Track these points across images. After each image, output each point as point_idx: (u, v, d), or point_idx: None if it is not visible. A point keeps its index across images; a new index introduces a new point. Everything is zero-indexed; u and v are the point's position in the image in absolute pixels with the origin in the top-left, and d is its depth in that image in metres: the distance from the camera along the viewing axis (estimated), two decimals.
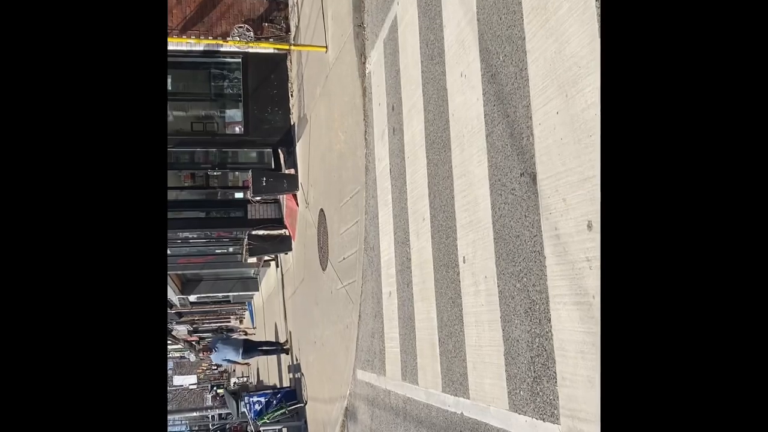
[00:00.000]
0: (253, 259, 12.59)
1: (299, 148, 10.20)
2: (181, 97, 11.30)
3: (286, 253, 11.81)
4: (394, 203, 5.18)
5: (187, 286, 19.06)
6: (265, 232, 11.69)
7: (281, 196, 11.12)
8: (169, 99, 10.61)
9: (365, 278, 6.29)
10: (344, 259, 7.17)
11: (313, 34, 8.41)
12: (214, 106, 11.74)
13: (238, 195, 11.90)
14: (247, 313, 27.56)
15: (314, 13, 8.29)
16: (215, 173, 10.63)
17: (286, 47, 9.57)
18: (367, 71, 6.03)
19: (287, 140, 10.68)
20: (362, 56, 6.12)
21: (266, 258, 13.56)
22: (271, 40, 10.48)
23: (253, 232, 11.52)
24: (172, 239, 12.83)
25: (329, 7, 7.27)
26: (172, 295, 18.78)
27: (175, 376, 42.13)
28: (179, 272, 16.11)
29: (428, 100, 4.22)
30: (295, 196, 10.64)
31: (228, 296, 22.23)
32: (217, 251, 14.58)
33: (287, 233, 11.59)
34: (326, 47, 7.38)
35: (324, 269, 8.22)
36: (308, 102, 9.20)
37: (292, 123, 10.68)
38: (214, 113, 11.65)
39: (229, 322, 35.23)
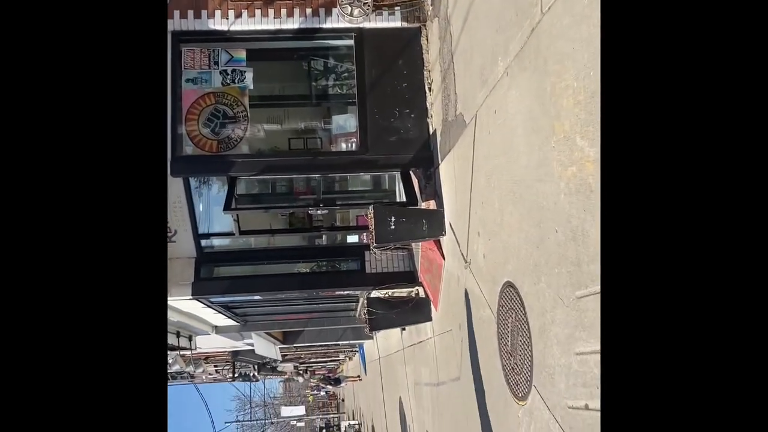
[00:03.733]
0: (376, 333, 8.99)
1: (446, 168, 6.48)
2: (270, 102, 7.96)
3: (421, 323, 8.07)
4: None
5: (289, 335, 15.88)
6: (391, 293, 8.05)
7: (414, 242, 7.44)
8: (255, 105, 7.27)
9: None
10: (588, 407, 3.32)
11: None
12: (316, 113, 8.32)
13: (352, 239, 8.36)
14: (357, 355, 24.22)
15: None
16: (318, 212, 7.12)
17: None
18: None
19: (424, 158, 6.99)
20: None
21: None
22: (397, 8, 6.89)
23: (374, 295, 7.91)
24: (265, 301, 9.52)
25: None
26: (271, 348, 15.66)
27: (283, 407, 39.63)
28: (281, 330, 12.87)
29: None
30: (438, 243, 6.91)
31: (337, 343, 18.94)
32: (323, 306, 11.13)
33: (423, 294, 7.88)
34: None
35: (520, 397, 4.38)
36: (468, 92, 5.45)
37: (431, 130, 6.98)
38: (317, 124, 8.22)
39: (338, 357, 32.20)
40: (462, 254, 5.91)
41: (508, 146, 4.39)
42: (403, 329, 10.15)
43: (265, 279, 8.04)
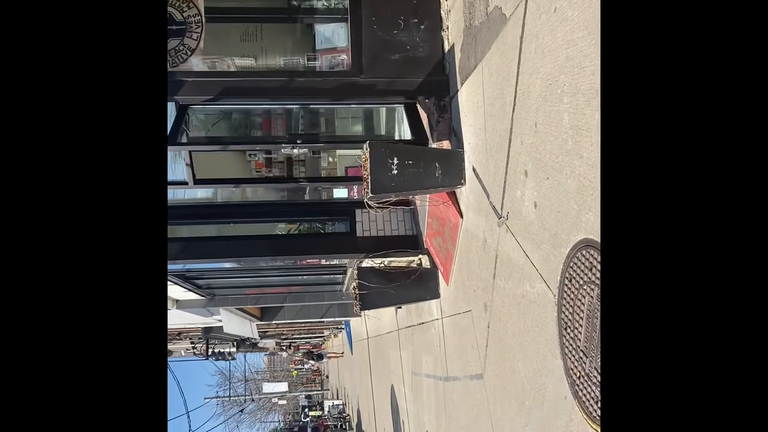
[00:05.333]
0: (366, 312, 7.35)
1: (469, 92, 4.78)
2: (234, 15, 6.17)
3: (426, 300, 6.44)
4: None
5: (267, 311, 14.25)
6: (387, 262, 6.40)
7: (422, 195, 5.78)
8: (214, 19, 5.51)
9: None
10: None
11: None
12: (299, 38, 6.54)
13: (340, 194, 6.65)
14: (343, 332, 22.70)
15: None
16: (295, 150, 5.36)
17: None
18: None
19: (437, 83, 5.28)
20: None
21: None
22: None
23: (366, 264, 6.26)
24: (233, 270, 7.84)
25: None
26: (246, 325, 14.03)
27: (265, 383, 38.24)
28: (255, 305, 11.16)
29: None
30: (453, 196, 5.25)
31: (321, 320, 17.36)
32: (304, 279, 9.46)
33: (428, 264, 6.24)
34: None
35: (598, 419, 2.74)
36: None
37: (447, 46, 5.27)
38: (298, 59, 6.44)
39: (323, 333, 30.77)
40: (493, 207, 4.24)
41: (596, 19, 2.69)
42: (399, 307, 8.53)
43: (229, 242, 6.34)
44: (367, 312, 8.04)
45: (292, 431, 40.85)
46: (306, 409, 30.17)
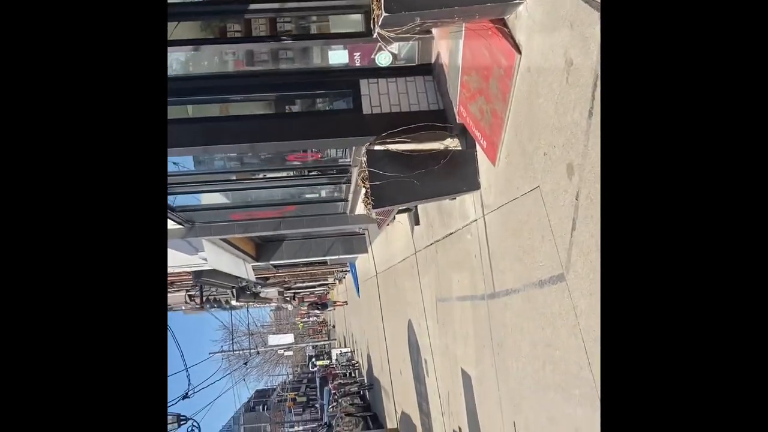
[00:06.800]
0: (376, 214, 5.74)
1: None
2: None
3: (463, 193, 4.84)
4: None
5: (264, 250, 12.76)
6: (407, 148, 4.76)
7: (460, 19, 4.10)
8: None
9: None
10: None
11: None
12: None
13: (338, 58, 4.95)
14: (348, 276, 21.34)
15: None
16: None
17: None
18: None
19: None
20: None
21: (404, 209, 6.66)
22: None
23: (378, 147, 4.63)
24: (206, 176, 6.23)
25: None
26: (239, 264, 12.55)
27: (270, 336, 37.42)
28: (244, 234, 9.55)
29: None
30: (502, 25, 3.59)
31: (324, 260, 15.88)
32: (298, 192, 7.83)
33: (460, 145, 4.60)
34: None
35: None
36: None
37: None
38: None
39: (327, 281, 29.52)
40: None
41: None
42: (417, 222, 6.96)
43: (195, 125, 4.71)
44: (386, 223, 6.49)
45: (301, 383, 40.12)
46: (313, 359, 29.22)
